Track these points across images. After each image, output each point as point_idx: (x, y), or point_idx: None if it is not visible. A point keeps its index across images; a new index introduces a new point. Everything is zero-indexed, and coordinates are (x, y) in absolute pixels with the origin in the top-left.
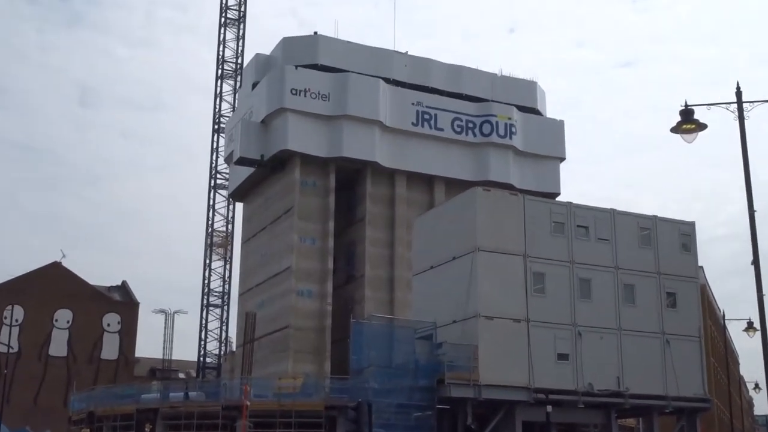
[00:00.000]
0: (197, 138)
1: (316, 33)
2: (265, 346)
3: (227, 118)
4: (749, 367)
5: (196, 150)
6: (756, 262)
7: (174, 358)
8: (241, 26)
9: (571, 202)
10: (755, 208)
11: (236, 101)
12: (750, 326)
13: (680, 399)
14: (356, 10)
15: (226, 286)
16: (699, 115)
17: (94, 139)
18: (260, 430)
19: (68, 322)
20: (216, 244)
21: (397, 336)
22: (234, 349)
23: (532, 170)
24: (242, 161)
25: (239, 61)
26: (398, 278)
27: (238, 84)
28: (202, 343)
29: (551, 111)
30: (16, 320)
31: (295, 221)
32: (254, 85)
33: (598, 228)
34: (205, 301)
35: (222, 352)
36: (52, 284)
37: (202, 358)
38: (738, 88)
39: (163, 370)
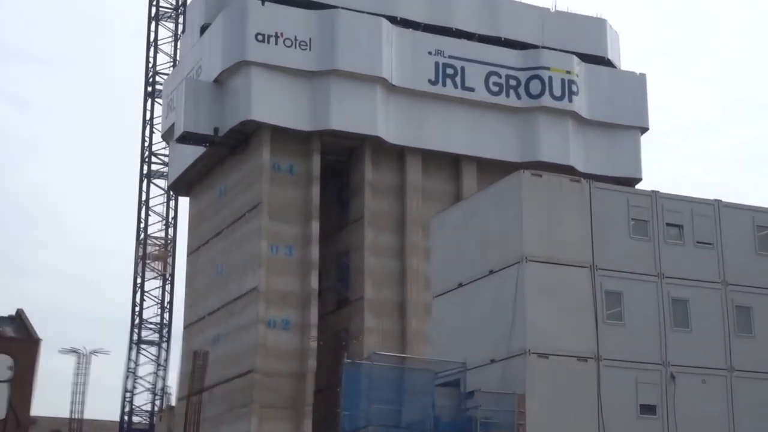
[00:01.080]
0: (122, 105)
1: None
2: (219, 399)
3: (165, 77)
4: None
5: (120, 123)
6: None
7: (87, 416)
8: None
9: (657, 192)
10: None
11: (178, 52)
12: None
13: None
14: None
15: (166, 316)
16: None
17: None
18: None
19: None
20: (151, 256)
21: (410, 383)
22: (174, 403)
23: (602, 146)
24: (187, 138)
25: None
26: (411, 301)
27: (180, 28)
28: (129, 395)
29: (628, 62)
30: None
31: (263, 222)
32: (203, 29)
33: (698, 228)
34: (134, 337)
35: (157, 408)
36: None
37: (127, 417)
38: None
39: None
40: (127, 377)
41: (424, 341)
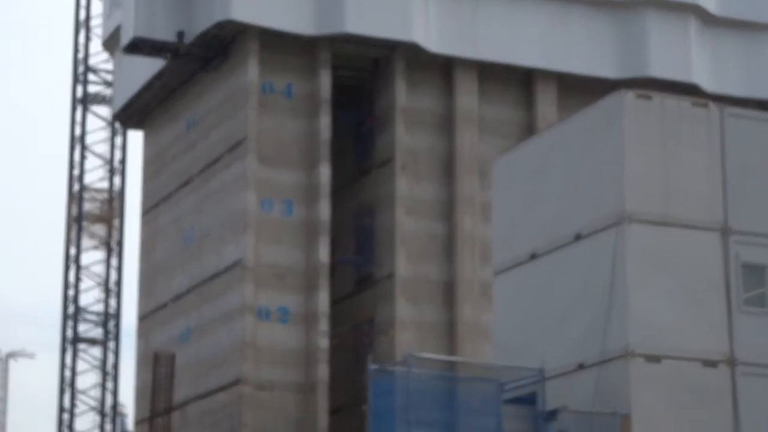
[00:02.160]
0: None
1: None
2: (195, 422)
3: None
4: None
5: (42, 26)
6: None
7: None
8: None
9: None
10: None
11: None
12: None
13: None
14: None
15: (112, 303)
16: None
17: None
18: None
19: None
20: (89, 217)
21: (465, 398)
22: (130, 428)
23: (738, 56)
24: (140, 46)
25: None
26: (463, 280)
27: None
28: (65, 415)
29: None
30: None
31: (250, 167)
32: None
33: None
34: (68, 334)
35: None
36: None
37: None
38: None
39: None
40: (61, 392)
41: (483, 338)
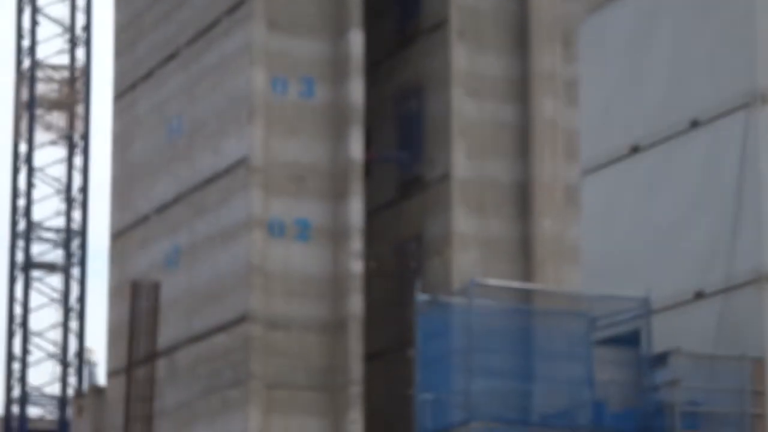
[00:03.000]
0: None
1: None
2: (186, 374)
3: None
4: None
5: None
6: None
7: None
8: None
9: None
10: None
11: None
12: None
13: None
14: None
15: (76, 216)
16: None
17: None
18: None
19: None
20: (45, 102)
21: (545, 338)
22: (103, 381)
23: None
24: None
25: None
26: (540, 182)
27: None
28: (15, 364)
29: None
30: None
31: (257, 34)
32: None
33: None
34: (18, 257)
35: (72, 391)
36: None
37: (17, 409)
38: None
39: None
40: (9, 334)
41: (567, 258)
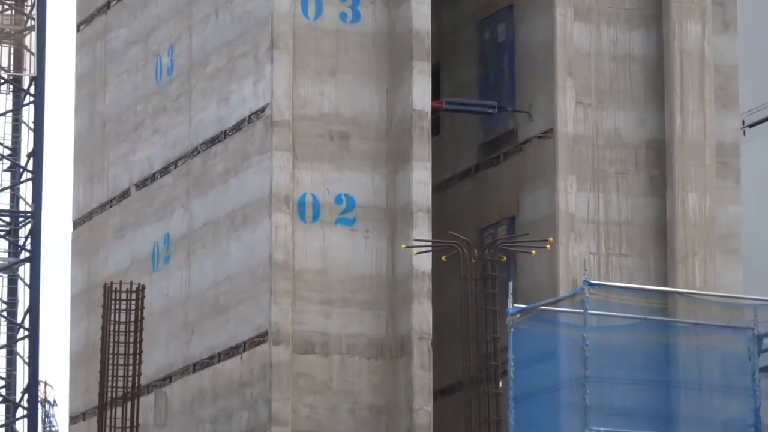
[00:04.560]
0: None
1: None
2: (184, 416)
3: None
4: None
5: None
6: None
7: None
8: None
9: None
10: None
11: None
12: None
13: None
14: None
15: (24, 191)
16: None
17: None
18: None
19: None
20: None
21: (687, 360)
22: (59, 427)
23: None
24: None
25: None
26: (682, 138)
27: None
28: None
29: None
30: None
31: None
32: None
33: None
34: None
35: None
36: None
37: None
38: None
39: None
40: None
41: (722, 249)
